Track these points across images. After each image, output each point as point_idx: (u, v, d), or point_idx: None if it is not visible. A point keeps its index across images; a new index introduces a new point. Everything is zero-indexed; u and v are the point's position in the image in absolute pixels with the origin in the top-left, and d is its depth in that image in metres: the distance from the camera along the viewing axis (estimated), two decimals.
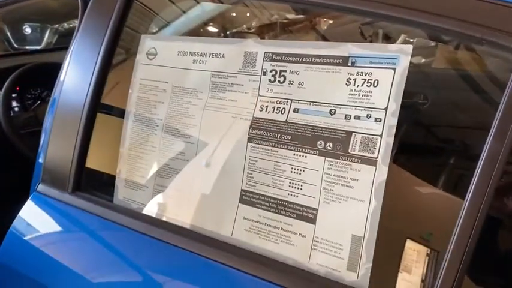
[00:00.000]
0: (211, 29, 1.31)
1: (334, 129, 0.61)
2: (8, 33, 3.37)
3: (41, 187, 0.88)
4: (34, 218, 0.90)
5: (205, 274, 0.67)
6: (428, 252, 0.67)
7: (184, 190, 0.74)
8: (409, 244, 0.67)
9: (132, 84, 0.80)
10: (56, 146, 0.88)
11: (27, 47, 3.46)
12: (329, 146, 0.61)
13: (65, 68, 0.89)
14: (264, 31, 1.46)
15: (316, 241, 0.61)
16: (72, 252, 0.83)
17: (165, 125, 0.77)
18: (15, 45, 3.47)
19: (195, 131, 0.74)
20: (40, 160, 0.91)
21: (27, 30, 3.34)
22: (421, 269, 0.65)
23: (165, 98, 0.77)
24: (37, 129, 1.49)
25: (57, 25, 3.58)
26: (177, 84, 0.76)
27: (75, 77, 0.86)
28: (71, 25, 3.66)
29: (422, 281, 0.64)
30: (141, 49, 0.80)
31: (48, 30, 3.49)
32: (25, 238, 0.88)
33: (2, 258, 0.88)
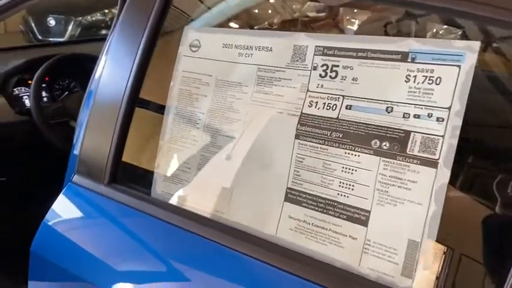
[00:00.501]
0: (233, 25, 1.30)
1: (391, 127, 0.58)
2: (33, 25, 3.42)
3: (76, 178, 0.88)
4: (69, 208, 0.90)
5: (249, 273, 0.65)
6: (445, 251, 0.64)
7: (225, 186, 0.72)
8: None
9: (174, 77, 0.79)
10: (92, 138, 0.87)
11: (50, 39, 3.50)
12: (385, 145, 0.59)
13: (102, 62, 0.88)
14: (286, 28, 1.45)
15: (368, 244, 0.59)
16: (107, 244, 0.82)
17: (208, 118, 0.75)
18: (39, 37, 3.52)
19: (238, 125, 0.72)
20: (75, 152, 0.90)
21: (52, 22, 3.37)
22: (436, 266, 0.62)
23: (208, 91, 0.75)
24: (65, 120, 1.50)
25: (80, 18, 3.62)
26: (221, 77, 0.74)
27: (113, 71, 0.85)
28: (94, 18, 3.69)
29: (437, 278, 0.61)
30: (184, 41, 0.78)
31: (72, 23, 3.53)
32: (59, 228, 0.88)
33: (36, 248, 0.88)
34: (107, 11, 3.71)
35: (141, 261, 0.77)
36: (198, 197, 0.75)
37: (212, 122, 0.75)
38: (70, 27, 3.50)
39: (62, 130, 1.44)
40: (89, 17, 3.52)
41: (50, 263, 0.87)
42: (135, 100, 0.82)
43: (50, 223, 0.88)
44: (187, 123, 0.77)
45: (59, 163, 1.14)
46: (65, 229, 0.88)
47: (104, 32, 3.59)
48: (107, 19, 3.77)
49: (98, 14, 3.66)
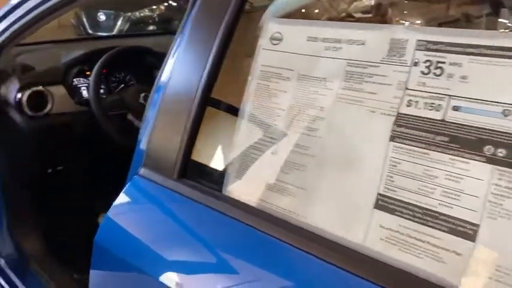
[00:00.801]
0: None
1: (508, 133, 0.52)
2: (84, 20, 3.54)
3: (143, 171, 0.87)
4: (135, 200, 0.89)
5: (332, 282, 0.61)
6: None
7: (306, 187, 0.68)
8: None
9: (253, 71, 0.75)
10: (161, 133, 0.86)
11: (100, 33, 3.61)
12: (500, 152, 0.52)
13: (173, 58, 0.86)
14: None
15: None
16: (173, 239, 0.80)
17: (287, 115, 0.71)
18: (90, 31, 3.63)
19: (322, 124, 0.67)
20: (141, 146, 0.89)
21: (102, 17, 3.48)
22: None
23: (288, 86, 0.71)
24: (122, 113, 1.51)
25: (129, 13, 3.71)
26: (304, 72, 0.70)
27: (185, 68, 0.84)
28: (142, 14, 3.77)
29: None
30: (264, 33, 0.75)
31: (121, 18, 3.62)
32: (124, 219, 0.87)
33: (100, 239, 0.87)
34: (154, 7, 3.80)
35: (207, 259, 0.74)
36: (274, 197, 0.71)
37: (292, 120, 0.71)
38: (119, 22, 3.60)
39: (119, 122, 1.46)
40: (137, 13, 3.61)
41: (113, 255, 0.86)
42: (207, 98, 0.80)
43: (115, 214, 0.88)
44: (264, 120, 0.74)
45: (114, 155, 1.14)
46: (130, 221, 0.87)
47: (151, 27, 3.67)
48: (155, 15, 3.86)
49: (146, 10, 3.75)
